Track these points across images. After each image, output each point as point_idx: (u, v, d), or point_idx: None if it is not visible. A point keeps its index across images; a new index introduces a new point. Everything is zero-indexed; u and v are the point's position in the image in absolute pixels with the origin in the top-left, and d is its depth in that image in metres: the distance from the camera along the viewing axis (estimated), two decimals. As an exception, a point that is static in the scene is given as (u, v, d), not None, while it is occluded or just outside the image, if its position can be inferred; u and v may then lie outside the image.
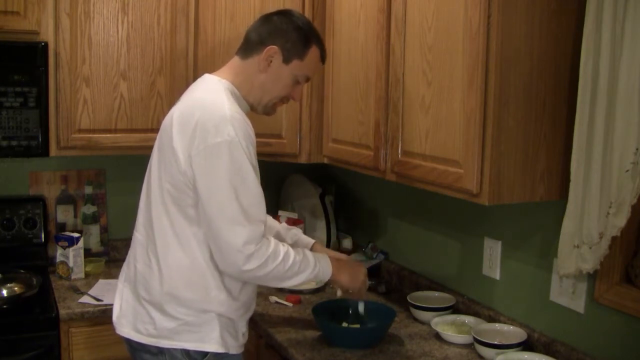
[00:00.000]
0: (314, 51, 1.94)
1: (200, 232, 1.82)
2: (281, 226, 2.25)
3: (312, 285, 2.63)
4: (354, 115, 2.32)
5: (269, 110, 2.00)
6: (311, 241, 2.21)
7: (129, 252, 2.00)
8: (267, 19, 1.96)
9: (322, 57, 2.00)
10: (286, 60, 1.90)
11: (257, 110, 1.98)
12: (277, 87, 1.94)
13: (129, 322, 1.91)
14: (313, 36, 1.95)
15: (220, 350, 1.86)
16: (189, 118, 1.79)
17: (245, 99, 1.93)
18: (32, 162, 2.84)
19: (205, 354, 1.86)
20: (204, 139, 1.74)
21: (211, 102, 1.82)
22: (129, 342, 1.94)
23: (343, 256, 2.19)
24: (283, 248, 1.84)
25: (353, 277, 2.06)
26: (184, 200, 1.81)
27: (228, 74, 1.93)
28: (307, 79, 2.00)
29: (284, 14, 1.98)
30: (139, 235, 1.94)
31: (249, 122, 1.83)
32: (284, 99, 2.00)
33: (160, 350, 1.86)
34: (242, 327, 1.95)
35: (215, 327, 1.86)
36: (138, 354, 1.93)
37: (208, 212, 1.77)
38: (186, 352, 1.85)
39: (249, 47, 1.93)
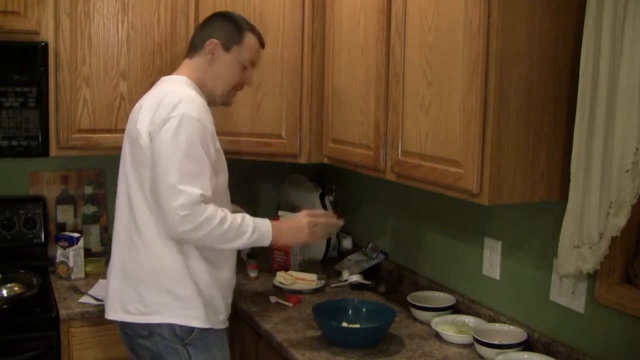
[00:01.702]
0: (249, 36, 2.14)
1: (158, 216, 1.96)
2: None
3: (312, 285, 2.63)
4: (354, 115, 2.32)
5: (226, 99, 2.18)
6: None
7: (112, 248, 2.12)
8: (203, 22, 2.21)
9: (260, 42, 2.20)
10: (226, 48, 2.11)
11: (216, 101, 2.15)
12: (226, 75, 2.13)
13: (119, 305, 2.04)
14: (245, 24, 2.16)
15: (205, 325, 1.99)
16: (152, 104, 1.98)
17: (202, 92, 2.10)
18: (32, 162, 2.84)
19: (191, 330, 1.98)
20: (161, 114, 1.92)
21: (172, 89, 2.02)
22: (122, 329, 2.08)
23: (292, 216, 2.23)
24: (221, 213, 1.91)
25: (295, 236, 2.11)
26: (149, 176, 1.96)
27: (184, 72, 2.13)
28: (252, 64, 2.17)
29: (218, 13, 2.24)
30: (120, 224, 2.07)
31: (204, 103, 2.01)
32: (237, 87, 2.18)
33: (151, 332, 1.98)
34: (222, 304, 2.05)
35: (198, 304, 1.98)
36: (132, 340, 2.05)
37: (153, 176, 1.92)
38: (173, 331, 1.97)
39: (193, 48, 2.15)
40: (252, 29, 2.18)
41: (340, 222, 2.24)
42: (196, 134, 1.90)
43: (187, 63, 2.15)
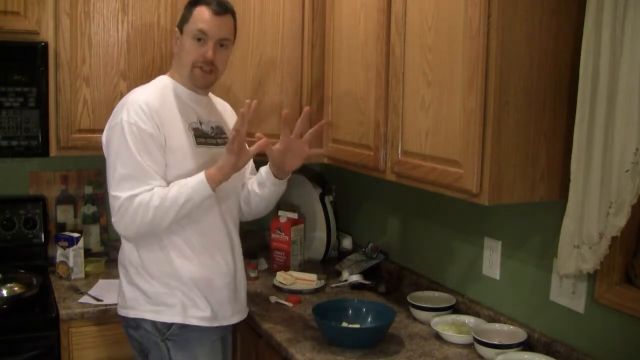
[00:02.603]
0: (198, 9, 2.07)
1: None
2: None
3: (312, 285, 2.63)
4: (354, 115, 2.32)
5: (193, 80, 2.10)
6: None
7: None
8: None
9: (213, 10, 2.06)
10: (181, 31, 2.11)
11: (189, 84, 2.12)
12: (183, 55, 2.09)
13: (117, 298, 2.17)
14: (196, 1, 2.09)
15: (180, 321, 2.01)
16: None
17: (181, 83, 2.12)
18: (32, 162, 2.84)
19: (170, 325, 2.01)
20: (110, 121, 2.04)
21: (131, 93, 2.08)
22: (121, 320, 2.16)
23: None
24: (144, 198, 1.92)
25: (227, 165, 1.98)
26: None
27: (171, 69, 2.18)
28: (204, 34, 2.05)
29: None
30: None
31: (147, 103, 1.99)
32: (196, 63, 2.07)
33: (137, 325, 2.06)
34: (206, 299, 2.05)
35: (175, 297, 2.02)
36: (125, 330, 2.15)
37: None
38: (154, 325, 2.03)
39: None
40: (204, 2, 2.08)
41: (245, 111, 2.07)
42: (129, 138, 1.94)
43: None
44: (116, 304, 2.38)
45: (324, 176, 3.25)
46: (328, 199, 3.04)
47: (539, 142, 1.81)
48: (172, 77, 2.14)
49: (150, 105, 2.00)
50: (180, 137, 2.03)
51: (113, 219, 1.98)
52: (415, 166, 2.00)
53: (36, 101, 2.48)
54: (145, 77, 2.64)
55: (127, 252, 2.07)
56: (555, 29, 1.78)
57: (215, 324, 2.08)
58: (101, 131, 2.59)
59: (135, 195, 1.93)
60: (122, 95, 2.59)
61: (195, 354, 2.04)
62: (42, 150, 2.52)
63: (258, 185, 2.21)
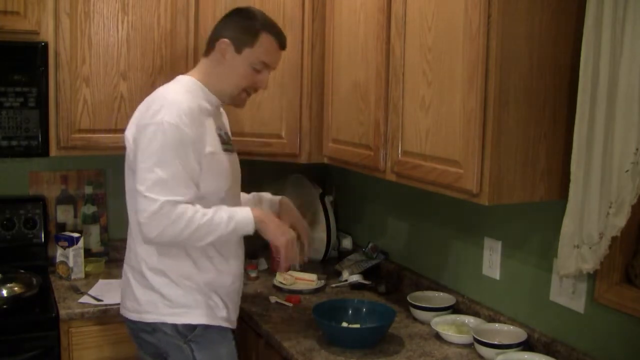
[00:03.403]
0: (265, 38, 2.03)
1: None
2: (248, 197, 2.34)
3: (312, 285, 2.63)
4: (354, 115, 2.32)
5: (235, 101, 2.11)
6: (276, 199, 2.33)
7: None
8: (222, 18, 2.12)
9: (279, 44, 2.08)
10: (238, 50, 2.02)
11: (225, 101, 2.10)
12: (235, 77, 2.04)
13: (123, 301, 2.10)
14: (263, 25, 2.05)
15: (204, 322, 1.98)
16: (141, 109, 1.99)
17: (213, 92, 2.06)
18: (32, 162, 2.84)
19: (193, 327, 1.97)
20: (144, 120, 1.92)
21: (162, 92, 1.99)
22: (128, 323, 2.09)
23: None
24: (189, 214, 1.87)
25: (278, 233, 2.00)
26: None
27: (195, 72, 2.09)
28: (267, 66, 2.07)
29: (236, 10, 2.13)
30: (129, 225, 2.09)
31: (190, 108, 1.92)
32: (248, 89, 2.08)
33: (153, 329, 1.99)
34: (223, 301, 2.04)
35: (196, 300, 1.98)
36: (136, 334, 2.08)
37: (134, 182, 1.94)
38: (175, 327, 1.98)
39: (207, 45, 2.09)
40: (271, 29, 2.06)
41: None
42: (171, 141, 1.87)
43: (201, 62, 2.11)
44: (117, 304, 2.38)
45: (324, 176, 3.25)
46: (328, 199, 3.04)
47: (539, 142, 1.81)
48: (201, 81, 2.05)
49: (192, 109, 1.93)
50: (214, 144, 1.99)
51: (144, 220, 1.86)
52: (415, 166, 2.00)
53: (36, 101, 2.48)
54: (145, 77, 2.64)
55: (144, 255, 2.00)
56: (555, 29, 1.78)
57: (232, 326, 2.09)
58: (101, 131, 2.62)
59: (177, 202, 1.86)
60: (122, 95, 2.61)
61: (220, 354, 2.03)
62: (42, 150, 2.52)
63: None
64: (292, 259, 2.05)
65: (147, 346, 2.07)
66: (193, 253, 1.99)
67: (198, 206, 1.90)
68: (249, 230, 1.97)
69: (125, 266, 2.10)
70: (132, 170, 1.97)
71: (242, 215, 1.96)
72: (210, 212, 1.91)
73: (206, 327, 2.00)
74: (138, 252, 2.02)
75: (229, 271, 2.06)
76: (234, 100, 2.10)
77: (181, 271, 1.98)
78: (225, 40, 2.02)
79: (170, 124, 1.87)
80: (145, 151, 1.88)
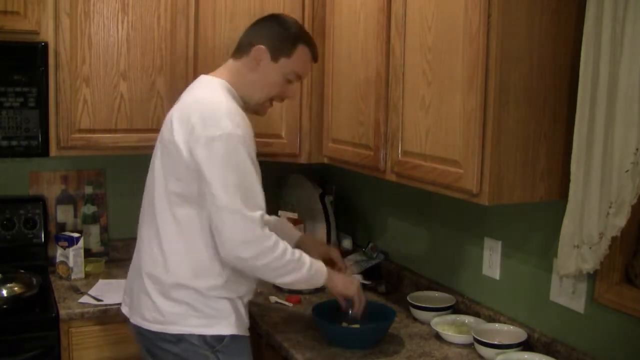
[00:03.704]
0: (301, 49, 2.02)
1: (202, 221, 1.88)
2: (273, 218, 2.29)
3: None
4: (354, 115, 2.32)
5: (259, 109, 2.09)
6: (297, 233, 2.31)
7: (135, 249, 2.07)
8: (256, 22, 2.08)
9: (313, 55, 2.07)
10: (274, 58, 1.99)
11: (249, 108, 2.04)
12: (267, 86, 2.02)
13: (137, 310, 1.98)
14: (300, 35, 2.03)
15: (234, 332, 1.93)
16: (188, 113, 1.88)
17: (240, 97, 2.01)
18: (32, 162, 2.84)
19: (222, 337, 1.92)
20: (204, 131, 1.82)
21: (209, 97, 1.92)
22: (143, 332, 1.98)
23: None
24: (282, 244, 1.88)
25: (346, 284, 2.08)
26: (188, 190, 1.87)
27: (223, 74, 2.03)
28: (299, 77, 2.07)
29: (272, 16, 2.10)
30: (142, 231, 2.02)
31: (245, 117, 1.91)
32: (276, 98, 2.08)
33: (178, 339, 1.91)
34: (245, 308, 2.01)
35: (225, 310, 1.92)
36: (155, 343, 1.96)
37: (209, 201, 1.83)
38: (203, 338, 1.90)
39: (240, 48, 2.04)
40: (307, 41, 2.04)
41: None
42: (245, 151, 1.83)
43: (230, 64, 2.04)
44: (117, 304, 2.38)
45: (324, 176, 3.25)
46: (328, 199, 3.04)
47: (539, 142, 1.81)
48: (234, 87, 1.99)
49: (246, 118, 1.90)
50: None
51: (242, 239, 1.80)
52: (415, 166, 2.00)
53: (36, 101, 2.48)
54: (145, 77, 2.64)
55: (176, 269, 1.90)
56: (555, 29, 1.78)
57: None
58: (101, 131, 2.62)
59: (264, 218, 1.84)
60: (122, 95, 2.61)
61: None
62: (42, 150, 2.52)
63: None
64: (364, 301, 2.11)
65: (169, 356, 1.95)
66: (228, 271, 1.91)
67: (284, 240, 1.89)
68: (321, 282, 1.99)
69: (143, 274, 1.96)
70: (174, 172, 1.88)
71: (318, 265, 1.98)
72: (297, 251, 1.92)
73: (234, 337, 1.94)
74: (170, 264, 1.91)
75: (253, 282, 2.03)
76: (258, 107, 2.06)
77: (213, 285, 1.91)
78: (262, 47, 1.98)
79: (238, 135, 1.82)
80: (223, 167, 1.81)
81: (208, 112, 1.85)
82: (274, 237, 1.86)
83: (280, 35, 2.00)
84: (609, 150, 1.67)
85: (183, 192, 1.89)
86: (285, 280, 1.93)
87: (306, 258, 1.94)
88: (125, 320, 2.29)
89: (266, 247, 1.83)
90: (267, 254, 1.84)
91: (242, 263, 1.85)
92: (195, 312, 1.90)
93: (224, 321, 1.93)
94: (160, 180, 1.94)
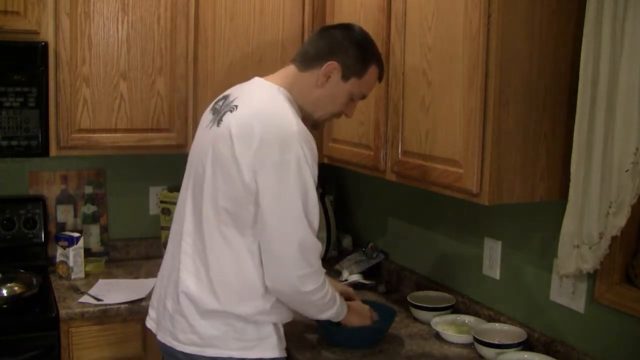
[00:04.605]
0: (372, 70, 1.90)
1: (254, 245, 1.77)
2: None
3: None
4: (354, 115, 2.31)
5: (319, 125, 1.98)
6: None
7: (167, 258, 1.94)
8: (327, 32, 1.93)
9: (380, 76, 1.96)
10: (345, 77, 1.86)
11: (307, 123, 1.88)
12: (332, 104, 1.90)
13: (169, 331, 1.86)
14: (373, 54, 1.91)
15: (274, 355, 1.84)
16: (252, 130, 1.72)
17: (301, 110, 1.87)
18: (32, 162, 2.84)
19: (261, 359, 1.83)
20: (271, 155, 1.69)
21: (276, 114, 1.76)
22: (173, 352, 1.86)
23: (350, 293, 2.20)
24: (327, 283, 1.84)
25: (362, 314, 2.08)
26: (242, 214, 1.75)
27: (283, 82, 1.86)
28: (363, 97, 1.96)
29: (346, 28, 1.94)
30: (185, 244, 1.84)
31: (313, 138, 1.78)
32: (335, 115, 1.97)
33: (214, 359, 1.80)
34: (283, 331, 1.91)
35: (268, 333, 1.83)
36: None
37: (270, 229, 1.73)
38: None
39: (307, 59, 1.88)
40: (378, 61, 1.92)
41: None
42: (311, 177, 1.73)
43: (294, 73, 1.88)
44: (117, 304, 2.38)
45: (324, 176, 3.25)
46: (328, 199, 3.04)
47: (539, 142, 1.81)
48: (295, 98, 1.85)
49: (312, 137, 1.78)
50: None
51: (306, 272, 1.74)
52: (415, 166, 2.00)
53: (36, 101, 2.48)
54: (145, 77, 2.64)
55: (220, 291, 1.78)
56: (555, 29, 1.78)
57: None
58: (101, 131, 2.62)
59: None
60: (122, 95, 2.61)
61: None
62: (42, 150, 2.52)
63: None
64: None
65: None
66: (272, 296, 1.81)
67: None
68: (337, 320, 1.96)
69: (180, 292, 1.81)
70: (228, 190, 1.75)
71: (343, 304, 1.94)
72: (331, 288, 1.86)
73: (272, 359, 1.85)
74: (217, 288, 1.77)
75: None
76: (319, 123, 1.97)
77: (260, 310, 1.80)
78: (335, 63, 1.84)
79: (307, 161, 1.72)
80: (291, 194, 1.70)
81: (276, 131, 1.71)
82: (324, 272, 1.81)
83: (354, 52, 1.86)
84: (609, 150, 1.67)
85: (235, 212, 1.75)
86: (320, 316, 1.89)
87: (337, 298, 1.90)
88: (125, 320, 2.29)
89: (322, 281, 1.78)
90: (322, 288, 1.79)
91: (299, 296, 1.77)
92: (237, 334, 1.79)
93: (266, 344, 1.82)
94: (209, 194, 1.79)
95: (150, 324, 1.99)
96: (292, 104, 1.82)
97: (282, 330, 1.88)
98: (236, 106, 1.81)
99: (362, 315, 2.08)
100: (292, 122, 1.73)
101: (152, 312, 1.99)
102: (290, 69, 1.90)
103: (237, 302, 1.78)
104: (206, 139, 1.85)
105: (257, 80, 1.90)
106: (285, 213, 1.72)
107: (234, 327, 1.79)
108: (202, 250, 1.80)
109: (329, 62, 1.84)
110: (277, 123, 1.73)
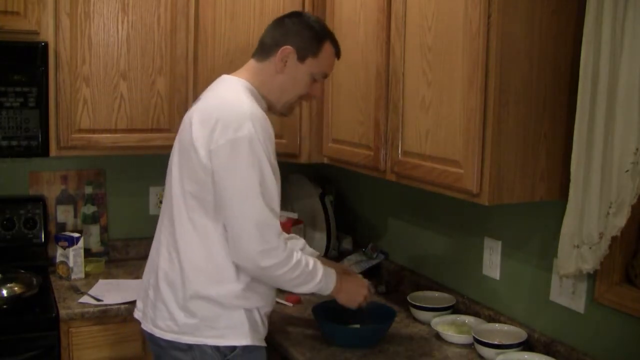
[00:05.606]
0: (327, 47, 1.99)
1: (219, 226, 1.84)
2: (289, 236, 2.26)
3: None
4: (354, 115, 2.32)
5: (287, 110, 2.05)
6: (315, 253, 2.26)
7: (152, 250, 2.03)
8: (279, 22, 2.01)
9: (337, 53, 2.04)
10: (301, 58, 1.95)
11: (276, 110, 2.02)
12: (294, 87, 1.98)
13: (150, 318, 1.95)
14: (325, 33, 2.00)
15: (247, 342, 1.88)
16: (209, 115, 1.83)
17: (265, 99, 1.97)
18: (32, 162, 2.84)
19: (233, 347, 1.88)
20: (224, 134, 1.78)
21: (231, 99, 1.87)
22: (155, 340, 1.94)
23: (349, 270, 2.21)
24: (296, 254, 1.87)
25: (351, 296, 2.08)
26: (205, 196, 1.84)
27: (245, 75, 1.97)
28: (325, 76, 2.04)
29: (295, 15, 2.05)
30: (161, 235, 1.97)
31: (268, 120, 1.86)
32: (303, 97, 2.05)
33: (190, 347, 1.87)
34: (263, 319, 1.96)
35: (240, 320, 1.88)
36: (166, 351, 1.92)
37: (227, 207, 1.80)
38: (216, 347, 1.87)
39: (264, 50, 1.98)
40: (332, 38, 2.01)
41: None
42: (266, 156, 1.79)
43: (253, 66, 1.99)
44: (117, 304, 2.38)
45: (324, 176, 3.25)
46: (328, 199, 3.04)
47: (539, 142, 1.81)
48: (255, 87, 1.95)
49: (268, 120, 1.86)
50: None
51: (264, 247, 1.78)
52: (415, 166, 2.00)
53: (36, 101, 2.48)
54: (145, 77, 2.64)
55: (191, 275, 1.86)
56: (555, 29, 1.78)
57: (265, 344, 2.00)
58: (101, 131, 2.62)
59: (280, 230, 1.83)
60: (122, 95, 2.61)
61: None
62: (42, 150, 2.52)
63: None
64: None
65: None
66: (245, 277, 1.87)
67: (298, 250, 1.89)
68: (326, 293, 1.99)
69: (160, 281, 1.91)
70: (191, 175, 1.85)
71: (330, 276, 1.97)
72: (310, 259, 1.90)
73: (246, 347, 1.89)
74: (187, 272, 1.86)
75: (271, 291, 1.97)
76: (286, 109, 2.03)
77: (231, 291, 1.86)
78: (289, 47, 1.93)
79: (259, 140, 1.77)
80: (244, 173, 1.77)
81: (229, 113, 1.80)
82: (289, 246, 1.84)
83: (307, 35, 1.95)
84: (609, 151, 1.67)
85: (200, 195, 1.84)
86: (295, 290, 1.92)
87: (318, 272, 1.92)
88: (125, 320, 2.30)
89: (284, 257, 1.81)
90: (285, 264, 1.82)
91: (261, 272, 1.82)
92: (211, 323, 1.86)
93: (237, 331, 1.88)
94: (177, 181, 1.90)
95: (137, 314, 2.06)
96: (253, 93, 1.92)
97: (259, 318, 1.93)
98: (199, 99, 1.97)
99: (354, 293, 2.07)
100: (245, 104, 1.83)
101: (139, 303, 2.07)
102: (251, 63, 2.00)
103: (209, 286, 1.85)
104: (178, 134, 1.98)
105: (222, 76, 2.00)
106: (240, 191, 1.78)
107: (208, 317, 1.85)
108: (174, 237, 1.90)
109: (283, 48, 1.93)
110: (231, 106, 1.84)
